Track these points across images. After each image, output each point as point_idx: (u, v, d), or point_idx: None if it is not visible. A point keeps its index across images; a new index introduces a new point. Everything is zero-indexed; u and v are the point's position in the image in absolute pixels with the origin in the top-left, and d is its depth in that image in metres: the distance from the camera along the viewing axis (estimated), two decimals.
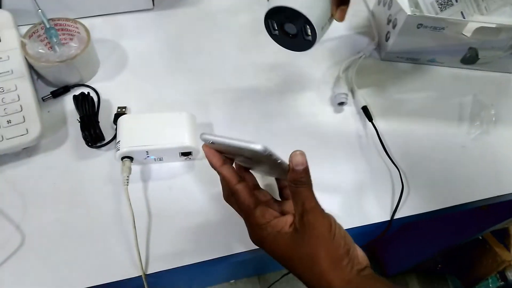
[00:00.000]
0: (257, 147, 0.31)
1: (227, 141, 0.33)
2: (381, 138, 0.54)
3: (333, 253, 0.33)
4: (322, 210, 0.34)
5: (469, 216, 0.53)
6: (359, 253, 0.35)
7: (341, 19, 0.40)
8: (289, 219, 0.36)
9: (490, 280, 1.15)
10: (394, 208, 0.49)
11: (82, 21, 0.60)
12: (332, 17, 0.42)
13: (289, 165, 0.33)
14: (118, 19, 0.63)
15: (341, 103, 0.57)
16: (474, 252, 1.14)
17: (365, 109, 0.56)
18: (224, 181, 0.38)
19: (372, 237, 0.54)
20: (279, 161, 0.34)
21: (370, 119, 0.56)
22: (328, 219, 0.34)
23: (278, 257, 0.36)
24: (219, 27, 0.65)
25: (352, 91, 0.59)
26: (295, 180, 0.33)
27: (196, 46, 0.62)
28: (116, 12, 0.63)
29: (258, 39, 0.64)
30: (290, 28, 0.43)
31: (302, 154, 0.33)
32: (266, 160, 0.34)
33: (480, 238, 1.09)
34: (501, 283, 1.14)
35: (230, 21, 0.67)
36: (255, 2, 0.70)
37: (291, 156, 0.33)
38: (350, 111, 0.58)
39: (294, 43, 0.44)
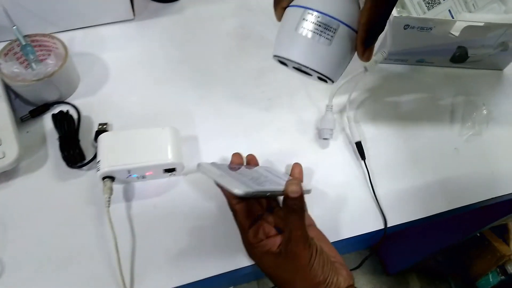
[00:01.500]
0: (238, 191, 0.31)
1: (214, 177, 0.35)
2: (371, 180, 0.50)
3: (309, 282, 0.35)
4: (306, 241, 0.35)
5: (468, 214, 0.52)
6: (343, 275, 0.37)
7: (368, 58, 0.33)
8: (277, 240, 0.39)
9: (490, 275, 1.14)
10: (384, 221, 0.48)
11: (62, 34, 0.59)
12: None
13: (284, 191, 0.35)
14: (99, 31, 0.62)
15: (326, 139, 0.53)
16: (473, 249, 1.13)
17: (358, 145, 0.52)
18: (226, 198, 0.42)
19: (370, 242, 0.52)
20: (268, 194, 0.35)
21: (362, 157, 0.52)
22: (310, 251, 0.35)
23: (265, 274, 0.39)
24: (204, 35, 0.64)
25: (348, 119, 0.54)
26: (287, 206, 0.35)
27: (180, 56, 0.61)
28: (97, 24, 0.62)
29: (245, 45, 0.63)
30: (306, 70, 0.36)
31: (298, 183, 0.35)
32: None
33: (478, 234, 1.08)
34: (501, 277, 1.14)
35: (215, 28, 0.65)
36: (242, 7, 0.68)
37: (286, 184, 0.35)
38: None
39: (309, 76, 0.38)
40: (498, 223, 0.87)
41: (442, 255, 1.25)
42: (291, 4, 0.34)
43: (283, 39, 0.34)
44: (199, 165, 0.37)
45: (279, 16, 0.35)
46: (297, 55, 0.33)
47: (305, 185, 0.44)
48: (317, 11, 0.32)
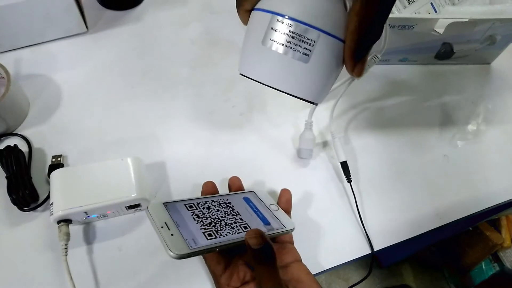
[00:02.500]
0: (171, 254, 0.28)
1: (154, 228, 0.31)
2: (357, 202, 0.46)
3: None
4: None
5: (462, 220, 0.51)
6: None
7: (360, 74, 0.27)
8: None
9: (483, 264, 1.13)
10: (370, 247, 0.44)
11: (6, 55, 0.53)
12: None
13: (245, 242, 0.30)
14: (48, 48, 0.55)
15: (304, 158, 0.49)
16: (466, 238, 1.12)
17: (344, 165, 0.47)
18: None
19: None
20: (218, 249, 0.31)
21: (348, 179, 0.46)
22: None
23: None
24: (166, 44, 0.58)
25: (332, 134, 0.49)
26: (252, 257, 0.31)
27: (140, 69, 0.55)
28: (45, 40, 0.55)
29: (211, 53, 0.57)
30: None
31: (257, 236, 0.30)
32: None
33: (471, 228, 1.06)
34: (494, 264, 1.13)
35: (178, 35, 0.59)
36: (205, 10, 0.62)
37: (245, 237, 0.30)
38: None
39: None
40: (490, 218, 0.85)
41: (435, 245, 1.23)
42: (256, 6, 0.26)
43: (248, 53, 0.27)
44: (147, 208, 0.32)
45: (245, 20, 0.28)
46: (265, 75, 0.26)
47: (289, 220, 0.40)
48: (289, 18, 0.24)
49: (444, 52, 0.56)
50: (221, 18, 0.61)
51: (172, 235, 0.30)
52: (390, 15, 0.49)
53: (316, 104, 0.29)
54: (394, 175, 0.49)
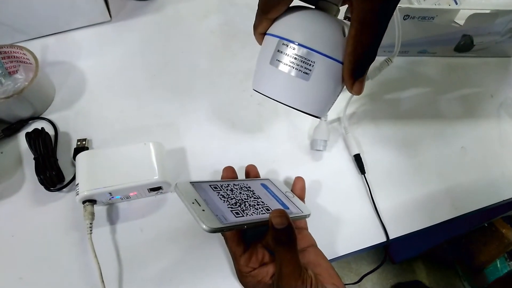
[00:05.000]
0: (204, 227, 0.29)
1: (185, 203, 0.32)
2: (372, 192, 0.47)
3: None
4: (298, 277, 0.32)
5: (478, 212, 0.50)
6: None
7: (359, 92, 0.29)
8: (270, 270, 0.36)
9: (498, 262, 1.12)
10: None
11: (33, 42, 0.55)
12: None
13: (269, 222, 0.32)
14: (73, 37, 0.57)
15: (318, 150, 0.49)
16: (480, 236, 1.10)
17: (357, 158, 0.48)
18: None
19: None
20: (245, 226, 0.32)
21: (362, 171, 0.48)
22: (303, 286, 0.32)
23: None
24: (186, 34, 0.59)
25: (345, 129, 0.50)
26: (274, 238, 0.32)
27: (161, 59, 0.56)
28: (70, 28, 0.57)
29: (230, 44, 0.58)
30: None
31: (282, 215, 0.31)
32: None
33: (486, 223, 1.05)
34: (509, 263, 1.12)
35: (198, 26, 0.60)
36: (225, 2, 0.63)
37: (270, 216, 0.32)
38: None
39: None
40: (507, 214, 0.84)
41: (449, 242, 1.22)
42: (268, 31, 0.30)
43: (259, 72, 0.30)
44: (176, 185, 0.34)
45: (259, 42, 0.31)
46: (273, 91, 0.29)
47: (304, 206, 0.41)
48: (292, 42, 0.28)
49: (464, 45, 0.55)
50: (240, 10, 0.62)
51: (203, 210, 0.31)
52: (411, 6, 0.50)
53: (320, 118, 0.31)
54: (410, 166, 0.49)
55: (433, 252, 1.25)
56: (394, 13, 0.43)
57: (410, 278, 1.27)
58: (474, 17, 0.48)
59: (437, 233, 0.99)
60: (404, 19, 0.50)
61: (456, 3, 0.53)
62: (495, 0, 0.51)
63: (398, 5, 0.47)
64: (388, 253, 1.28)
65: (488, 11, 0.47)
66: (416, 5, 0.52)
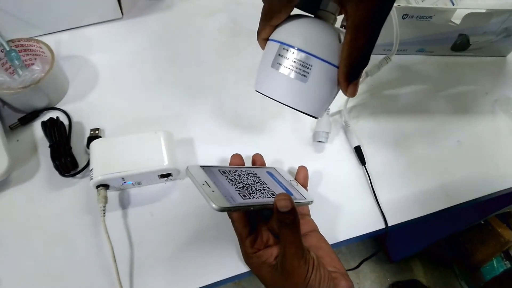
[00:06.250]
0: (214, 206, 0.31)
1: (196, 184, 0.34)
2: (372, 183, 0.49)
3: None
4: (301, 257, 0.34)
5: (472, 204, 0.52)
6: (341, 286, 0.36)
7: (353, 94, 0.31)
8: (274, 251, 0.37)
9: (494, 261, 1.14)
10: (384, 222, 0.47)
11: (48, 37, 0.57)
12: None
13: (273, 205, 0.33)
14: (86, 32, 0.60)
15: (321, 142, 0.51)
16: (477, 235, 1.13)
17: (357, 150, 0.51)
18: None
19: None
20: (252, 208, 0.34)
21: (362, 162, 0.50)
22: (306, 267, 0.34)
23: (262, 282, 0.38)
24: (194, 32, 0.62)
25: (345, 123, 0.52)
26: (279, 220, 0.33)
27: (170, 55, 0.59)
28: (83, 25, 0.60)
29: (236, 41, 0.61)
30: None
31: (288, 198, 0.33)
32: None
33: (482, 221, 1.07)
34: (505, 262, 1.14)
35: (205, 24, 0.63)
36: (231, 1, 0.66)
37: (275, 200, 0.33)
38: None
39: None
40: (502, 211, 0.86)
41: (446, 241, 1.24)
42: (270, 37, 0.33)
43: (261, 74, 0.33)
44: (187, 168, 0.36)
45: (262, 47, 0.34)
46: (273, 92, 0.32)
47: (307, 194, 0.43)
48: (292, 47, 0.30)
49: (460, 44, 0.58)
50: (246, 9, 0.64)
51: (213, 191, 0.33)
52: (409, 5, 0.52)
53: (317, 118, 0.34)
54: (408, 158, 0.52)
55: (430, 251, 1.27)
56: (392, 14, 0.46)
57: (408, 277, 1.29)
58: (470, 17, 0.50)
59: (434, 231, 1.01)
60: (403, 18, 0.52)
61: (453, 4, 0.55)
62: (491, 1, 0.54)
63: (397, 4, 0.50)
64: (386, 252, 1.30)
65: (483, 11, 0.50)
66: (414, 5, 0.54)
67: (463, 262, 1.23)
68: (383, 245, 0.48)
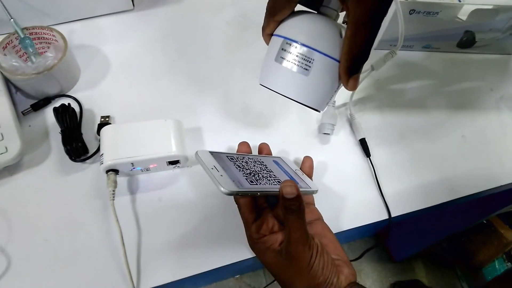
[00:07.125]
0: (222, 189, 0.32)
1: (205, 168, 0.35)
2: (376, 175, 0.50)
3: (309, 283, 0.35)
4: (305, 243, 0.35)
5: (474, 202, 0.52)
6: (344, 273, 0.37)
7: (354, 88, 0.32)
8: (279, 237, 0.38)
9: (496, 262, 1.14)
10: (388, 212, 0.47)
11: (61, 26, 0.58)
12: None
13: (279, 192, 0.34)
14: (98, 23, 0.61)
15: (326, 134, 0.52)
16: (479, 236, 1.13)
17: (362, 142, 0.51)
18: None
19: (375, 230, 0.52)
20: (258, 194, 0.35)
21: (367, 154, 0.51)
22: (310, 252, 0.35)
23: (267, 268, 0.39)
24: (203, 25, 0.63)
25: (351, 116, 0.53)
26: (284, 207, 0.34)
27: (180, 47, 0.60)
28: (95, 15, 0.61)
29: (244, 35, 0.62)
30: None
31: (293, 185, 0.34)
32: None
33: (485, 221, 1.07)
34: (507, 263, 1.14)
35: (214, 17, 0.64)
36: None
37: (281, 187, 0.34)
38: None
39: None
40: (505, 210, 0.87)
41: (448, 241, 1.24)
42: (274, 32, 0.34)
43: (264, 67, 0.34)
44: (196, 153, 0.37)
45: (267, 42, 0.35)
46: (277, 85, 0.33)
47: (312, 183, 0.44)
48: (295, 41, 0.31)
49: (466, 40, 0.58)
50: (255, 3, 0.65)
51: (221, 176, 0.34)
52: (416, 0, 0.53)
53: (319, 111, 0.35)
54: (412, 152, 0.52)
55: (432, 251, 1.28)
56: (397, 9, 0.46)
57: (410, 277, 1.29)
58: (476, 13, 0.51)
59: (436, 230, 1.01)
60: (410, 14, 0.53)
61: (460, 0, 0.56)
62: None
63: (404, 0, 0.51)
64: (388, 251, 1.30)
65: (490, 7, 0.50)
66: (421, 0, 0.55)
67: (464, 263, 1.23)
68: (386, 236, 0.48)
